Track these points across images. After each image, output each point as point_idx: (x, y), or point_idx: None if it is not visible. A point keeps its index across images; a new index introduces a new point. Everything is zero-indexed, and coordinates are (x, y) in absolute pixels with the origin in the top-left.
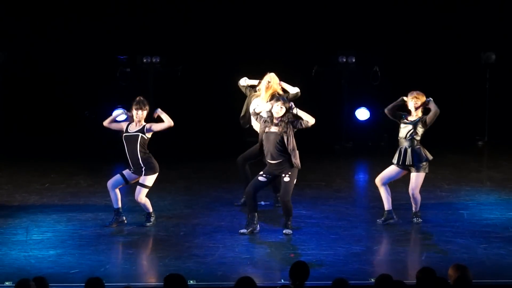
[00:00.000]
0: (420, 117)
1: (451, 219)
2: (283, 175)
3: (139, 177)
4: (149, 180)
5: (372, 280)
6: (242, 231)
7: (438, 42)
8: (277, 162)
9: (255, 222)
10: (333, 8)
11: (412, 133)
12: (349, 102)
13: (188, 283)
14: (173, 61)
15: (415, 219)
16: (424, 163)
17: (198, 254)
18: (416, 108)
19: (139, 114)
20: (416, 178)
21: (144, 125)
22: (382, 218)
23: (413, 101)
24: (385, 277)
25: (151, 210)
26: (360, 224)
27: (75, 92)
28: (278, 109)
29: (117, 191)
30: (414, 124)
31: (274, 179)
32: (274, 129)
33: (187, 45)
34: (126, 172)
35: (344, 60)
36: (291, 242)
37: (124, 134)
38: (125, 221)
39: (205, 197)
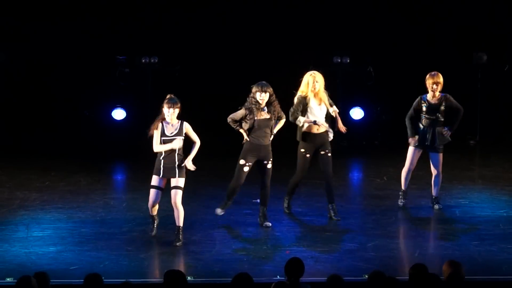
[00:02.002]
0: (443, 98)
1: (443, 217)
2: (265, 162)
3: (170, 178)
4: (183, 181)
5: (366, 276)
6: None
7: (430, 43)
8: (265, 145)
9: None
10: (328, 11)
11: (436, 114)
12: (344, 102)
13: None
14: (171, 61)
15: (437, 205)
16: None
17: (196, 250)
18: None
19: (171, 112)
20: (439, 158)
21: (182, 126)
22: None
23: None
24: (378, 274)
25: (182, 223)
26: (354, 222)
27: (75, 92)
28: (264, 97)
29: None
30: (437, 106)
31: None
32: (265, 115)
33: (184, 45)
34: (155, 181)
35: (339, 60)
36: (287, 239)
37: (162, 138)
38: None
39: (202, 195)
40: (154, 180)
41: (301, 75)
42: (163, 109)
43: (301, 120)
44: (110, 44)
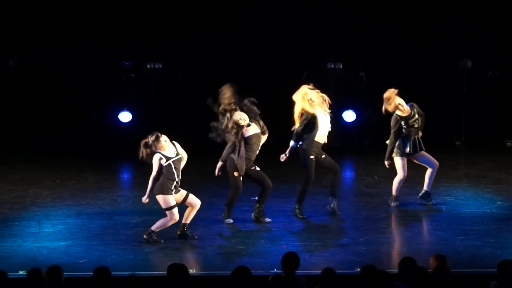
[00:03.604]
0: (412, 107)
1: (430, 213)
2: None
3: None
4: None
5: (358, 269)
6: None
7: (418, 49)
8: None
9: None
10: (322, 18)
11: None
12: (337, 105)
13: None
14: (174, 66)
15: (433, 201)
16: None
17: (198, 245)
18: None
19: (167, 142)
20: (426, 154)
21: (175, 146)
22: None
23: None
24: (370, 267)
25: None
26: (347, 218)
27: (84, 95)
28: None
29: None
30: (413, 115)
31: None
32: (257, 129)
33: (186, 52)
34: (172, 197)
35: (332, 66)
36: (283, 234)
37: (172, 160)
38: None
39: (204, 192)
40: (173, 200)
41: (298, 79)
42: (155, 148)
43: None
44: (117, 51)
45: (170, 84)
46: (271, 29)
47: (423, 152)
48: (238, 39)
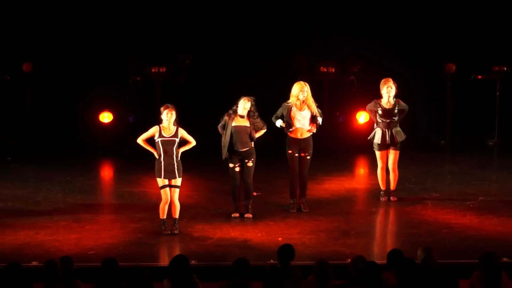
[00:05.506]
0: (396, 102)
1: (417, 208)
2: (247, 160)
3: (170, 180)
4: (180, 181)
5: (349, 260)
6: (234, 215)
7: (406, 55)
8: (245, 150)
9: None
10: (317, 25)
11: (393, 117)
12: (330, 107)
13: (190, 263)
14: (177, 71)
15: (392, 197)
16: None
17: (199, 237)
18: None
19: (169, 116)
20: (396, 155)
21: (177, 131)
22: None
23: (387, 90)
24: (360, 258)
25: (178, 215)
26: (338, 212)
27: (91, 97)
28: (248, 106)
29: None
30: (393, 110)
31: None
32: (243, 122)
33: (189, 57)
34: (161, 180)
35: (325, 70)
36: (279, 227)
37: (160, 139)
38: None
39: (204, 189)
40: (161, 182)
41: (294, 82)
42: (161, 116)
43: (277, 123)
44: (123, 55)
45: (173, 87)
46: (268, 34)
47: (392, 151)
48: (236, 44)
